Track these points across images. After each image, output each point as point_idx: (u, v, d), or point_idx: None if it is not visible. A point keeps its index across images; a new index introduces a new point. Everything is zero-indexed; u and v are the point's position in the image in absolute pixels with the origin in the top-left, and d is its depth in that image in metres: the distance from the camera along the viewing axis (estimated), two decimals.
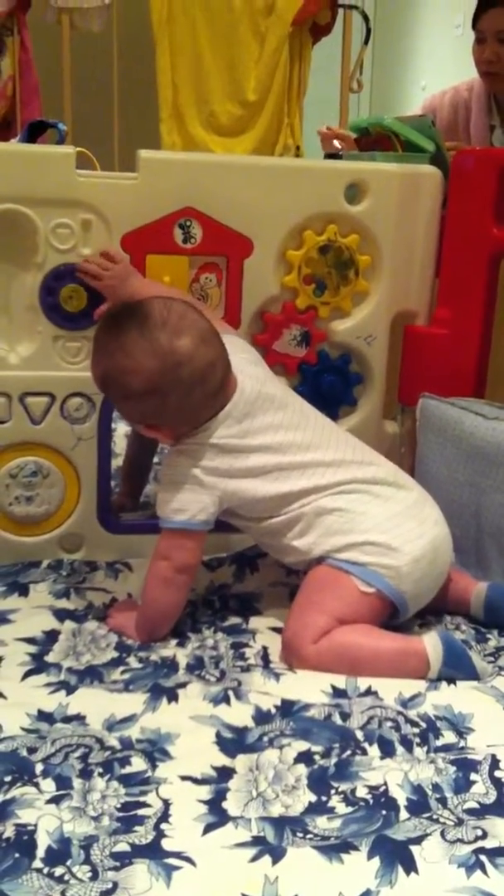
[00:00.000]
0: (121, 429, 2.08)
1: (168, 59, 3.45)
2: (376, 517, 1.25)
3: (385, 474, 1.31)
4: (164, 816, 0.90)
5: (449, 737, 1.05)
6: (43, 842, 0.86)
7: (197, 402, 1.23)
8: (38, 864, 0.83)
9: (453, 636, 1.21)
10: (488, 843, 0.88)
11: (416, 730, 1.06)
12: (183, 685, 1.13)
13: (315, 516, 1.26)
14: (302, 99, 3.55)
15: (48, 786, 0.94)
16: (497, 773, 0.99)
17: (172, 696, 1.11)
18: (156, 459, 1.75)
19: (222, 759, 0.99)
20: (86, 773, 0.96)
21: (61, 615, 1.30)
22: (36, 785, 0.94)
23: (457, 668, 1.17)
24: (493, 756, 1.01)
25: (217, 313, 1.41)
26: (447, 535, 1.30)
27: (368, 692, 1.13)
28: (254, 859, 0.85)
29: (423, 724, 1.07)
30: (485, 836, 0.89)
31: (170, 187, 1.36)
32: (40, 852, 0.85)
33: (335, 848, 0.87)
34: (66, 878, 0.82)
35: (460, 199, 1.49)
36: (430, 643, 1.18)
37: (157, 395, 1.21)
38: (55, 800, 0.92)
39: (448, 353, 1.52)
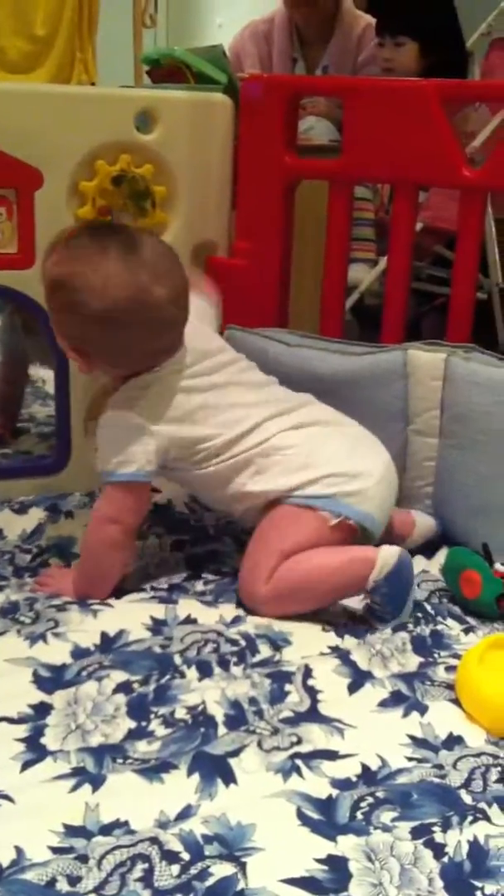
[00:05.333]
0: None
1: None
2: (334, 448, 1.23)
3: (328, 413, 1.29)
4: None
5: (265, 652, 1.08)
6: None
7: (140, 350, 1.18)
8: None
9: (412, 565, 1.18)
10: (303, 748, 0.92)
11: (235, 648, 1.08)
12: None
13: (268, 456, 1.21)
14: (94, 34, 3.45)
15: None
16: (310, 682, 1.02)
17: None
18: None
19: (40, 697, 0.98)
20: None
21: None
22: None
23: (393, 590, 1.15)
24: (307, 666, 1.05)
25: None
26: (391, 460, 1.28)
27: (188, 620, 1.15)
28: (73, 789, 0.85)
29: (243, 643, 1.09)
30: (300, 741, 0.93)
31: None
32: None
33: (155, 769, 0.88)
34: None
35: (250, 127, 1.48)
36: (389, 552, 1.15)
37: (107, 327, 1.14)
38: None
39: (249, 283, 1.53)
